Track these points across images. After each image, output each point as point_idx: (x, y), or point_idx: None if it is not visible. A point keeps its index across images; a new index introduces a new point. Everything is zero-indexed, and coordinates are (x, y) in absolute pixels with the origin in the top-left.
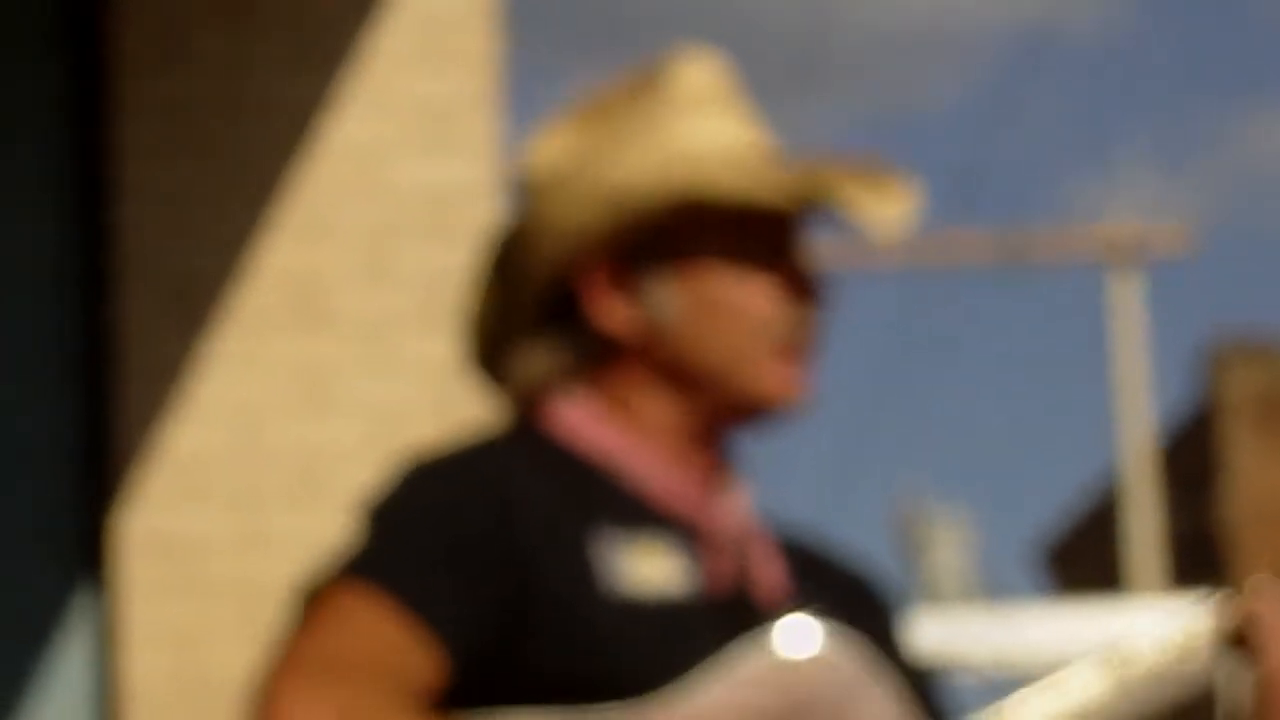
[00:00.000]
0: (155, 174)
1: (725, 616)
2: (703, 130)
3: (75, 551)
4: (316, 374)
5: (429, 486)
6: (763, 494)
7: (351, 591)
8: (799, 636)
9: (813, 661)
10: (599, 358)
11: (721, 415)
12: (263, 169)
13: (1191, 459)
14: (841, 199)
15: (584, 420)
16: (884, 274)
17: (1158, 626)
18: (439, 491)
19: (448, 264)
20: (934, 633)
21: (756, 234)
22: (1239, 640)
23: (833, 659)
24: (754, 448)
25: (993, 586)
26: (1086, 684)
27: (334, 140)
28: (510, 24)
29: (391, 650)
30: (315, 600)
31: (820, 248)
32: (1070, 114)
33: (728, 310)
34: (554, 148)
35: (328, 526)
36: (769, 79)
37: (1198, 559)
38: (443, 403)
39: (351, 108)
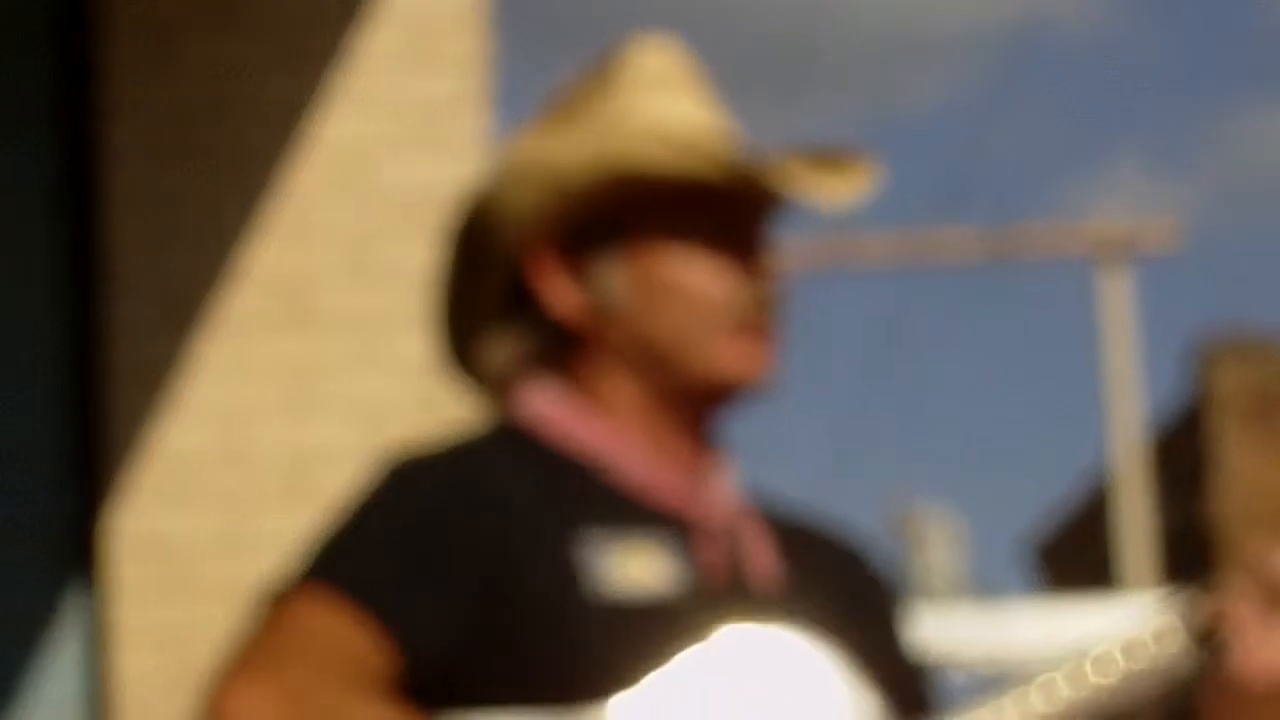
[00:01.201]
0: (143, 176)
1: (720, 606)
2: (642, 108)
3: (65, 552)
4: (305, 374)
5: (405, 488)
6: (752, 489)
7: (309, 595)
8: (738, 642)
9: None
10: (562, 346)
11: (686, 397)
12: (250, 170)
13: (1182, 455)
14: (784, 175)
15: (562, 415)
16: (873, 272)
17: (1129, 627)
18: (415, 493)
19: (435, 264)
20: (926, 630)
21: (704, 213)
22: (1207, 637)
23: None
24: (743, 444)
25: (984, 584)
26: (1057, 690)
27: (321, 141)
28: (497, 24)
29: (344, 645)
30: (275, 604)
31: (810, 246)
32: (1061, 112)
33: (675, 290)
34: (517, 141)
35: (317, 526)
36: (758, 79)
37: (1188, 556)
38: (431, 402)
39: (339, 108)
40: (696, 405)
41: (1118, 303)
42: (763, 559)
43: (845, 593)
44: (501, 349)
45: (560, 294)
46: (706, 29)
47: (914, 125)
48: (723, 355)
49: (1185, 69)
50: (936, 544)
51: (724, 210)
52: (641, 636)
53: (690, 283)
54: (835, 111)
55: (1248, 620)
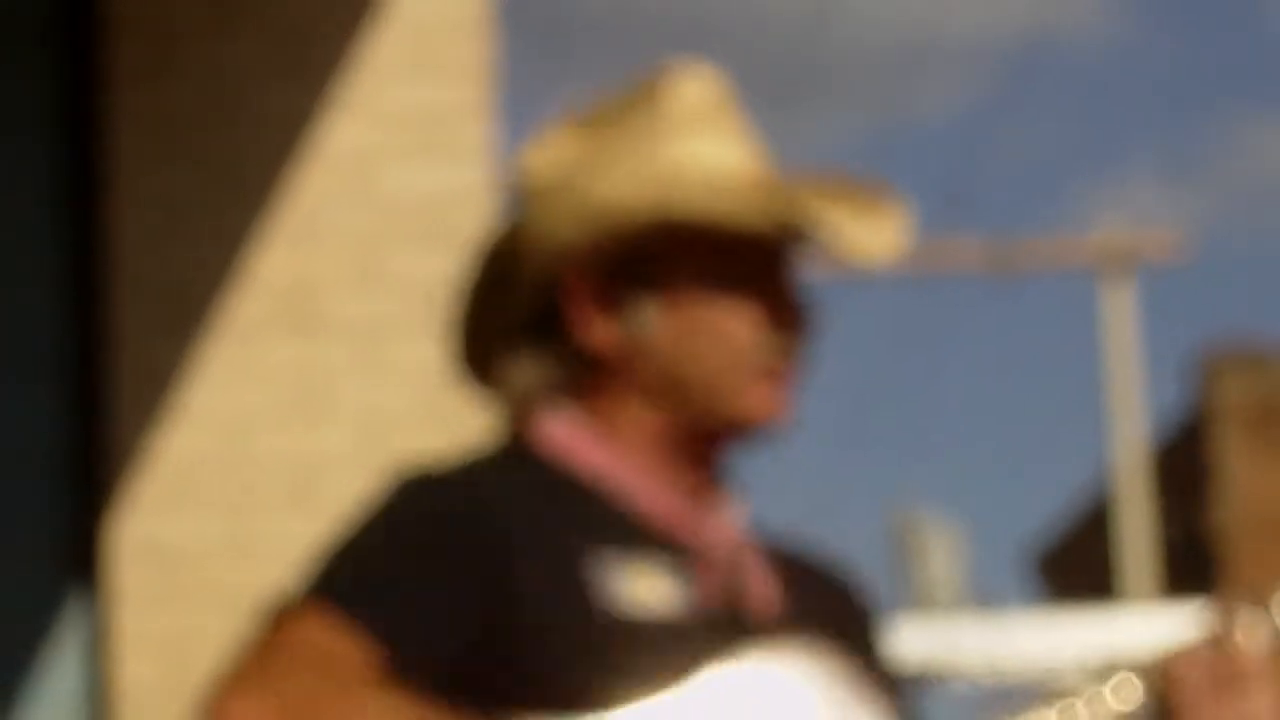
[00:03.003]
0: (148, 182)
1: (718, 635)
2: (690, 151)
3: (67, 558)
4: (309, 380)
5: (412, 505)
6: (755, 503)
7: (311, 610)
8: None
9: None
10: (584, 374)
11: (704, 433)
12: (255, 176)
13: (1184, 466)
14: (826, 226)
15: (573, 439)
16: (876, 282)
17: (1090, 692)
18: (421, 510)
19: (440, 271)
20: (927, 640)
21: (741, 257)
22: (1161, 700)
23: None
24: (746, 457)
25: (985, 594)
26: None
27: (326, 147)
28: (502, 31)
29: (343, 661)
30: (276, 618)
31: (811, 256)
32: (1069, 123)
33: (708, 334)
34: (546, 158)
35: (320, 533)
36: (765, 89)
37: (1190, 566)
38: (436, 410)
39: (344, 115)
40: (712, 442)
41: (1120, 314)
42: (762, 588)
43: (835, 620)
44: (523, 372)
45: (594, 325)
46: (712, 39)
47: (919, 135)
48: (748, 398)
49: (1194, 80)
50: (938, 553)
51: (760, 255)
52: (641, 656)
53: (726, 328)
54: (842, 121)
55: (1201, 689)
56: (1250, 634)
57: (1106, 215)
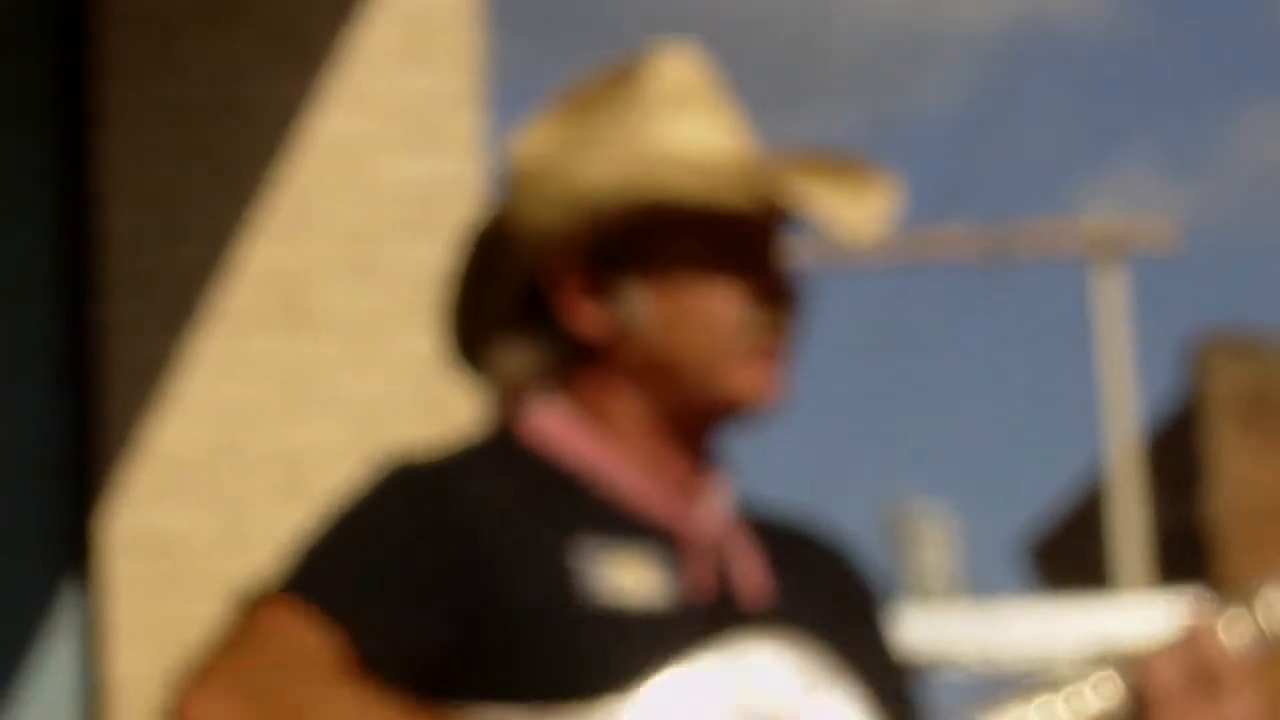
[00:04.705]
0: (140, 173)
1: (705, 625)
2: (671, 132)
3: (60, 550)
4: (301, 372)
5: (393, 496)
6: (748, 492)
7: (284, 605)
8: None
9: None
10: (573, 359)
11: (695, 417)
12: (247, 168)
13: (1176, 455)
14: (811, 205)
15: (561, 428)
16: (867, 271)
17: (1070, 688)
18: (403, 502)
19: (432, 261)
20: (921, 630)
21: (727, 237)
22: (1136, 696)
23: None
24: (738, 445)
25: (979, 583)
26: None
27: (318, 138)
28: (494, 20)
29: (313, 656)
30: (249, 611)
31: (802, 245)
32: (1062, 115)
33: (696, 316)
34: (532, 143)
35: (309, 526)
36: (761, 79)
37: (1183, 556)
38: (427, 400)
39: (335, 105)
40: (703, 424)
41: (1112, 302)
42: (751, 575)
43: (832, 599)
44: (512, 358)
45: (582, 312)
46: (706, 30)
47: (915, 125)
48: (737, 378)
49: (1189, 70)
50: (931, 543)
51: (746, 234)
52: (627, 646)
53: (711, 309)
54: (837, 110)
55: (1173, 688)
56: (1232, 633)
57: (1100, 202)
